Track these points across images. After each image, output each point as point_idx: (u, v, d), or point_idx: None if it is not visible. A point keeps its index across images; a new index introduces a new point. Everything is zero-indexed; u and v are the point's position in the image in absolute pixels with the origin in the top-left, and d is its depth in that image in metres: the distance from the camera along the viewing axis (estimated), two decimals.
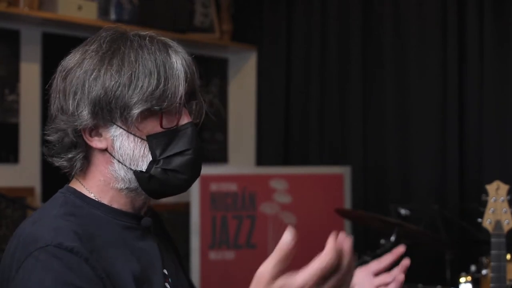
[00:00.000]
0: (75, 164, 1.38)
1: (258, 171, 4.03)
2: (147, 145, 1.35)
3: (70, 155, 1.38)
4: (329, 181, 3.87)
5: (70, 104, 1.34)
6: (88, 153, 1.38)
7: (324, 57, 4.13)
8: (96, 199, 1.39)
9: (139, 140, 1.35)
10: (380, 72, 3.95)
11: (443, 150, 3.71)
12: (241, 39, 4.41)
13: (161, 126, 1.35)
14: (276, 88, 4.30)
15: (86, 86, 1.32)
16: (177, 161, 1.36)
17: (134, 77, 1.32)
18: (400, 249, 1.56)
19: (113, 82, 1.32)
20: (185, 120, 1.37)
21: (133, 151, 1.35)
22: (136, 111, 1.32)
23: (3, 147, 3.52)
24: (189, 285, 1.57)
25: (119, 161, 1.36)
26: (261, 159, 4.36)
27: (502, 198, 2.33)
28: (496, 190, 2.34)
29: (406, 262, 1.46)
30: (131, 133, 1.34)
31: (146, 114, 1.33)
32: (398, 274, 1.55)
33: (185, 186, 1.40)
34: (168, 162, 1.35)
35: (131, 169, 1.36)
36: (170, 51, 1.36)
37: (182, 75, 1.35)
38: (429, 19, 3.77)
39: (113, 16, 3.80)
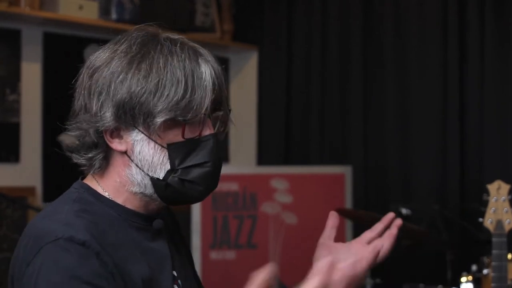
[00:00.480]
0: (94, 163, 1.37)
1: (259, 171, 4.03)
2: (166, 153, 1.33)
3: (90, 155, 1.37)
4: (330, 181, 3.87)
5: (94, 103, 1.32)
6: (108, 153, 1.37)
7: (324, 57, 4.13)
8: (110, 198, 1.38)
9: (159, 148, 1.33)
10: (381, 72, 3.95)
11: (444, 150, 3.71)
12: (242, 39, 4.41)
13: (183, 137, 1.33)
14: (277, 88, 4.30)
15: (112, 88, 1.31)
16: (195, 173, 1.35)
17: (161, 85, 1.30)
18: (390, 215, 1.58)
19: (139, 88, 1.30)
20: (207, 131, 1.35)
21: (153, 157, 1.34)
22: (159, 119, 1.30)
23: (4, 146, 3.52)
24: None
25: (137, 166, 1.35)
26: (262, 158, 4.36)
27: (503, 197, 2.33)
28: (497, 190, 2.34)
29: (398, 221, 1.49)
30: (152, 139, 1.33)
31: (169, 123, 1.32)
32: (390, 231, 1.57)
33: (201, 198, 1.39)
34: (186, 172, 1.34)
35: (148, 175, 1.35)
36: (200, 59, 1.34)
37: (210, 86, 1.33)
38: (430, 19, 3.77)
39: (114, 15, 3.79)
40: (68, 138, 1.39)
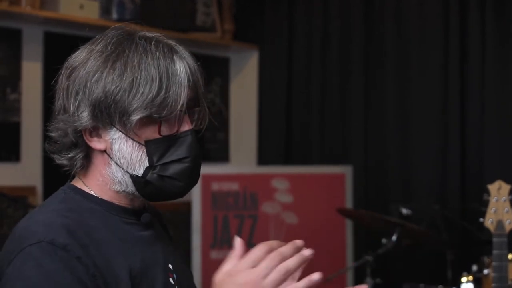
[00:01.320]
0: (75, 163, 1.38)
1: (260, 171, 4.03)
2: (144, 150, 1.34)
3: (70, 155, 1.38)
4: (330, 180, 3.87)
5: (72, 103, 1.33)
6: (88, 152, 1.38)
7: (325, 57, 4.13)
8: (97, 196, 1.39)
9: (137, 145, 1.34)
10: (381, 71, 3.95)
11: (445, 150, 3.71)
12: (242, 38, 4.41)
13: (159, 134, 1.34)
14: (277, 87, 4.30)
15: (88, 87, 1.32)
16: (174, 168, 1.35)
17: (135, 83, 1.31)
18: (297, 243, 1.32)
19: (113, 87, 1.31)
20: (185, 127, 1.36)
21: (131, 155, 1.35)
22: (135, 117, 1.31)
23: (4, 146, 3.52)
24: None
25: (116, 164, 1.36)
26: (263, 158, 4.36)
27: (504, 197, 2.33)
28: (498, 190, 2.34)
29: (307, 253, 1.31)
30: (129, 137, 1.34)
31: (145, 121, 1.33)
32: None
33: (181, 193, 1.39)
34: (164, 168, 1.35)
35: (128, 172, 1.35)
36: (175, 57, 1.34)
37: (185, 83, 1.33)
38: (431, 18, 3.77)
39: (115, 15, 3.80)
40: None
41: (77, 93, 1.33)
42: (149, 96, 1.30)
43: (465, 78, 3.68)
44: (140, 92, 1.30)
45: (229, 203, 3.80)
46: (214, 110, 4.39)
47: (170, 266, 1.43)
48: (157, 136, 1.34)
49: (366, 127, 3.99)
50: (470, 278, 2.85)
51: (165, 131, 1.34)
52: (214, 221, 3.78)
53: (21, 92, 3.56)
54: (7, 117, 3.52)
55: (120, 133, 1.34)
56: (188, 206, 3.87)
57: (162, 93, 1.31)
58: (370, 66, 4.00)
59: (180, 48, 1.37)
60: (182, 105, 1.33)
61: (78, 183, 1.41)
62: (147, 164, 1.34)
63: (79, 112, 1.32)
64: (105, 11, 3.77)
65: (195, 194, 3.76)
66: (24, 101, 3.57)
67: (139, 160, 1.35)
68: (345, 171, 3.86)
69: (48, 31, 3.65)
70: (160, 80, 1.31)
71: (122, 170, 1.36)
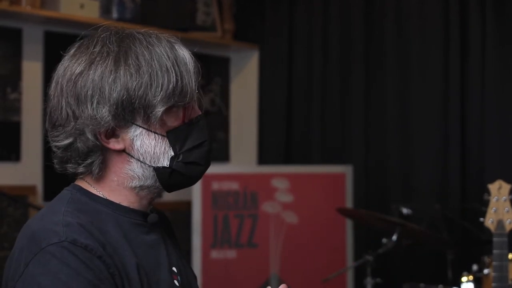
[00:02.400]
0: (94, 168, 1.37)
1: (260, 170, 4.03)
2: (167, 141, 1.37)
3: (89, 160, 1.36)
4: (330, 180, 3.87)
5: (88, 108, 1.32)
6: (105, 155, 1.37)
7: (326, 56, 4.13)
8: (103, 197, 1.39)
9: (160, 137, 1.36)
10: (382, 71, 3.95)
11: (445, 150, 3.71)
12: (243, 38, 4.41)
13: (184, 121, 1.37)
14: (278, 87, 4.30)
15: (106, 89, 1.31)
16: (196, 154, 1.39)
17: (154, 75, 1.32)
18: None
19: (134, 83, 1.31)
20: (197, 112, 1.40)
21: (154, 148, 1.36)
22: (160, 109, 1.33)
23: (5, 145, 3.52)
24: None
25: (138, 160, 1.36)
26: (263, 158, 4.36)
27: (504, 197, 2.33)
28: (498, 190, 2.34)
29: None
30: (151, 131, 1.35)
31: (168, 111, 1.35)
32: None
33: (200, 176, 1.44)
34: (188, 155, 1.38)
35: (151, 166, 1.36)
36: (176, 46, 1.37)
37: (193, 69, 1.37)
38: (431, 18, 3.77)
39: (115, 14, 3.80)
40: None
41: (92, 97, 1.32)
42: (170, 86, 1.33)
43: (465, 78, 3.67)
44: (160, 83, 1.33)
45: (229, 202, 3.80)
46: (214, 110, 4.39)
47: (174, 268, 1.43)
48: (175, 124, 1.37)
49: (366, 126, 3.99)
50: (471, 277, 2.85)
51: (187, 117, 1.38)
52: (214, 221, 3.78)
53: (22, 91, 3.56)
54: (8, 116, 3.52)
55: (141, 129, 1.35)
56: (188, 205, 3.86)
57: (179, 82, 1.34)
58: (370, 66, 4.00)
59: (174, 38, 1.40)
60: (195, 91, 1.37)
61: (83, 184, 1.40)
62: (172, 153, 1.37)
63: (99, 115, 1.32)
64: (106, 10, 3.77)
65: (195, 194, 3.76)
66: (24, 100, 3.57)
67: (164, 152, 1.37)
68: (346, 170, 3.86)
69: (48, 31, 3.65)
70: (174, 70, 1.34)
71: (144, 165, 1.36)
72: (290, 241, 3.81)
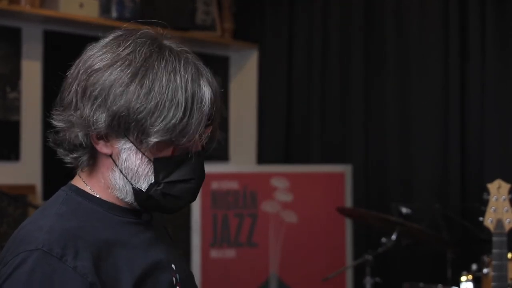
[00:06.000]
0: (80, 163, 1.37)
1: (259, 170, 4.03)
2: (152, 166, 1.33)
3: (75, 155, 1.36)
4: (330, 179, 3.87)
5: (88, 107, 1.30)
6: (94, 154, 1.37)
7: (325, 55, 4.12)
8: (98, 197, 1.38)
9: (146, 160, 1.32)
10: (382, 71, 3.95)
11: (445, 149, 3.71)
12: (242, 37, 4.41)
13: (172, 155, 1.33)
14: (277, 86, 4.30)
15: (110, 97, 1.28)
16: (179, 188, 1.35)
17: (161, 105, 1.27)
18: None
19: (138, 105, 1.27)
20: (197, 147, 1.36)
21: (138, 168, 1.33)
22: (154, 139, 1.29)
23: (4, 144, 3.52)
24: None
25: (121, 172, 1.34)
26: (262, 157, 4.36)
27: (503, 197, 2.33)
28: (497, 189, 2.34)
29: None
30: (140, 150, 1.32)
31: (162, 144, 1.31)
32: None
33: (177, 210, 1.40)
34: (170, 187, 1.34)
35: (131, 183, 1.34)
36: (201, 80, 1.32)
37: (207, 111, 1.31)
38: (431, 17, 3.77)
39: (114, 14, 3.79)
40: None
41: (96, 98, 1.29)
42: (172, 122, 1.28)
43: (465, 78, 3.67)
44: (164, 115, 1.28)
45: (229, 202, 3.80)
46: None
47: (173, 266, 1.43)
48: (166, 155, 1.33)
49: (366, 126, 3.99)
50: (470, 277, 2.85)
51: (177, 153, 1.33)
52: (214, 220, 3.78)
53: (21, 90, 3.56)
54: (7, 115, 3.52)
55: (132, 144, 1.32)
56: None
57: (185, 119, 1.28)
58: (370, 66, 4.00)
59: (206, 69, 1.35)
60: (201, 132, 1.32)
61: (79, 183, 1.40)
62: (153, 180, 1.33)
63: (94, 118, 1.29)
64: (105, 9, 3.76)
65: None
66: (23, 99, 3.57)
67: (145, 175, 1.33)
68: (345, 170, 3.86)
69: (47, 30, 3.65)
70: (186, 106, 1.28)
71: (125, 179, 1.34)
72: (289, 240, 3.81)
